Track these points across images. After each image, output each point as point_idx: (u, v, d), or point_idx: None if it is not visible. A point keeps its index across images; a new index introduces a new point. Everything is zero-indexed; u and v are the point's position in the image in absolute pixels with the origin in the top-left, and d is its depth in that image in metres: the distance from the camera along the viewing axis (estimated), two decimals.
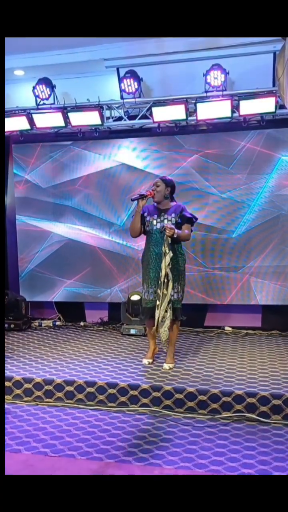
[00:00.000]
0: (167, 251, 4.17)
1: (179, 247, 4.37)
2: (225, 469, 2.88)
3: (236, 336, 5.65)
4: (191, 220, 4.39)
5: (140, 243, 5.70)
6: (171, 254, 4.18)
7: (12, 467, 2.89)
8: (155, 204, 4.42)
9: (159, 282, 4.20)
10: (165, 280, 4.17)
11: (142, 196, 4.33)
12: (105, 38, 5.12)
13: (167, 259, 4.17)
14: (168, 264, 4.17)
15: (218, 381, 3.96)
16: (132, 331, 5.75)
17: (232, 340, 5.47)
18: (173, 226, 4.20)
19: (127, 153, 6.05)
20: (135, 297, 5.72)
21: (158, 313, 4.19)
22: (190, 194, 5.76)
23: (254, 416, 3.59)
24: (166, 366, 4.34)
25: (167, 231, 4.17)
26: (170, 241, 4.18)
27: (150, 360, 4.50)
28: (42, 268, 6.38)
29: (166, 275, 4.16)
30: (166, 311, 4.18)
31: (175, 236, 4.20)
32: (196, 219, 4.47)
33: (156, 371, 4.25)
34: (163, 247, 4.19)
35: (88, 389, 3.97)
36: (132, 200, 4.41)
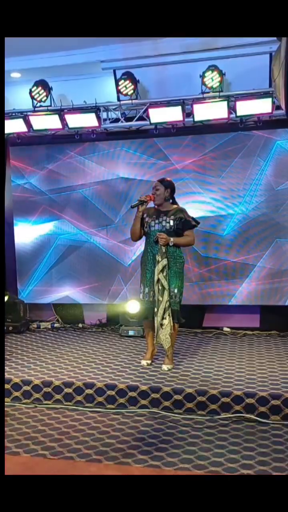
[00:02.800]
0: (160, 259, 4.22)
1: (177, 250, 4.38)
2: (225, 470, 2.88)
3: (235, 337, 5.66)
4: (193, 225, 4.40)
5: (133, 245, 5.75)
6: (164, 262, 4.23)
7: (11, 470, 2.89)
8: (156, 206, 4.44)
9: (154, 287, 4.25)
10: (159, 287, 4.21)
11: (142, 202, 4.34)
12: (102, 40, 5.13)
13: (159, 266, 4.22)
14: (161, 271, 4.21)
15: (217, 382, 3.96)
16: (131, 333, 5.75)
17: (230, 341, 5.47)
18: (164, 236, 4.22)
19: (125, 155, 6.04)
20: (133, 306, 5.72)
21: (156, 320, 4.23)
22: (186, 194, 5.76)
23: (253, 416, 3.59)
24: (164, 367, 4.34)
25: (159, 241, 4.21)
26: (164, 250, 4.22)
27: (149, 361, 4.51)
28: (42, 284, 6.36)
29: (159, 281, 4.21)
30: (164, 318, 4.21)
31: (170, 244, 4.23)
32: (198, 223, 4.47)
33: (155, 372, 4.25)
34: (157, 256, 4.23)
35: (87, 391, 3.96)
36: (132, 207, 4.42)
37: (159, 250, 4.26)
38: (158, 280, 4.24)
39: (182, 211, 4.42)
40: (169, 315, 4.24)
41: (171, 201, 4.45)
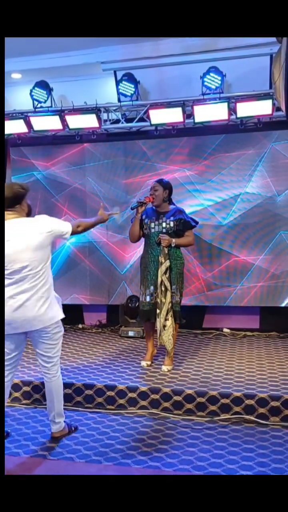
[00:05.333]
0: (163, 260, 4.22)
1: (177, 251, 4.38)
2: (224, 471, 2.88)
3: (235, 338, 5.66)
4: (193, 226, 4.41)
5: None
6: (168, 264, 4.23)
7: (11, 471, 2.89)
8: (154, 207, 4.45)
9: (157, 289, 4.25)
10: (163, 289, 4.22)
11: (141, 204, 4.35)
12: (102, 41, 5.14)
13: (162, 268, 4.22)
14: (165, 273, 4.21)
15: (217, 383, 3.97)
16: (131, 333, 5.75)
17: (230, 342, 5.48)
18: (167, 237, 4.23)
19: (126, 156, 6.05)
20: (133, 302, 5.73)
21: (159, 321, 4.24)
22: (186, 195, 5.79)
23: (252, 418, 3.60)
24: (164, 368, 4.35)
25: (162, 242, 4.22)
26: (166, 251, 4.23)
27: (149, 362, 4.51)
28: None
29: (162, 283, 4.21)
30: (167, 320, 4.22)
31: (172, 245, 4.24)
32: (197, 223, 4.49)
33: (155, 373, 4.26)
34: (159, 257, 4.24)
35: (87, 392, 3.97)
36: (132, 208, 4.44)
37: (162, 252, 4.26)
38: (162, 282, 4.24)
39: (181, 211, 4.43)
40: (171, 316, 4.24)
41: (168, 202, 4.46)
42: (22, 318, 3.13)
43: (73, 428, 3.46)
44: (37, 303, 3.16)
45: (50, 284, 3.28)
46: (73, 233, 3.31)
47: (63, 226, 3.26)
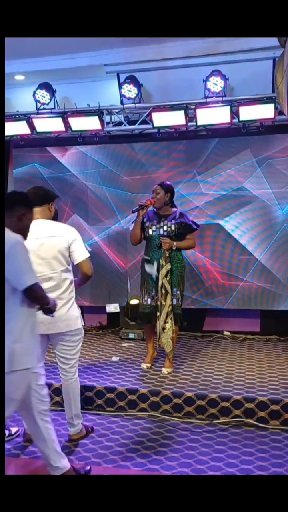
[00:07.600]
0: (164, 263, 4.23)
1: (178, 254, 4.39)
2: (223, 474, 2.88)
3: (235, 341, 5.66)
4: (193, 229, 4.41)
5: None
6: (168, 267, 4.25)
7: (11, 472, 2.89)
8: (155, 210, 4.45)
9: (157, 292, 4.25)
10: (163, 291, 4.22)
11: (142, 207, 4.36)
12: (105, 44, 5.16)
13: (163, 271, 4.23)
14: (165, 276, 4.22)
15: (217, 386, 3.97)
16: (131, 335, 5.75)
17: (230, 345, 5.47)
18: (168, 240, 4.24)
19: (128, 158, 6.07)
20: (134, 301, 5.72)
21: (158, 324, 4.24)
22: (188, 195, 5.81)
23: (252, 421, 3.60)
24: (164, 370, 4.35)
25: (163, 245, 4.22)
26: (168, 254, 4.23)
27: (149, 365, 4.51)
28: None
29: (163, 286, 4.21)
30: (166, 322, 4.22)
31: (174, 248, 4.25)
32: (198, 226, 4.50)
33: (155, 376, 4.26)
34: (160, 260, 4.24)
35: (86, 394, 3.97)
36: (133, 212, 4.44)
37: (163, 255, 4.27)
38: (162, 284, 4.24)
39: (183, 215, 4.44)
40: (171, 319, 4.25)
41: (170, 205, 4.47)
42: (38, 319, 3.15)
43: (89, 429, 3.46)
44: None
45: (70, 290, 3.29)
46: (83, 269, 3.32)
47: (79, 249, 3.28)
